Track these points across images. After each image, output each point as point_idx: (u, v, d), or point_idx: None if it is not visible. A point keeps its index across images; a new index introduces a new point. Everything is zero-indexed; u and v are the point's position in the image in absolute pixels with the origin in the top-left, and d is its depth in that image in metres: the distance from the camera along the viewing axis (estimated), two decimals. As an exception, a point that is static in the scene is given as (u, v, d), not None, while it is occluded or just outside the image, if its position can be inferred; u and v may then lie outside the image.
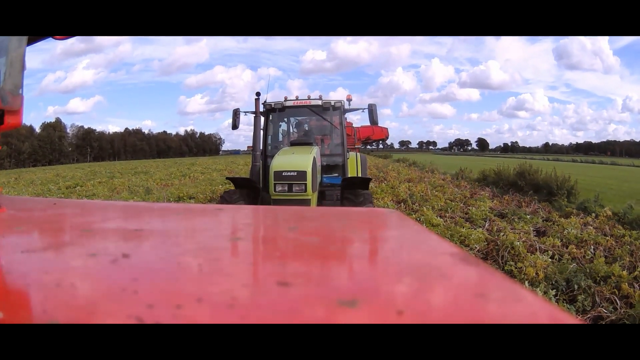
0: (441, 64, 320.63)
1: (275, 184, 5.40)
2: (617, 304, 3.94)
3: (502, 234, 6.43)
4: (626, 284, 4.28)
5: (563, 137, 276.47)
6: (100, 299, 0.47)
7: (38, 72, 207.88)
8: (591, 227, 7.17)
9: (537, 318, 0.43)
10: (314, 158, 5.66)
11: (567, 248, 5.71)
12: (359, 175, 7.30)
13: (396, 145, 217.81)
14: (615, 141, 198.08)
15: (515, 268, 4.88)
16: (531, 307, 0.45)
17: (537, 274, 4.58)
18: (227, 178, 8.12)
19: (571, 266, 4.82)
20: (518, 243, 5.64)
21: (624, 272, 4.58)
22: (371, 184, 6.44)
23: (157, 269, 0.60)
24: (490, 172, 14.92)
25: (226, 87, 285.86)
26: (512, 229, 6.92)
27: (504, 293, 0.49)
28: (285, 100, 7.18)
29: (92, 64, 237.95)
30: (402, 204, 9.92)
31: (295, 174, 5.35)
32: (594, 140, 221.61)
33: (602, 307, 3.93)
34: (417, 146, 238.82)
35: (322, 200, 6.29)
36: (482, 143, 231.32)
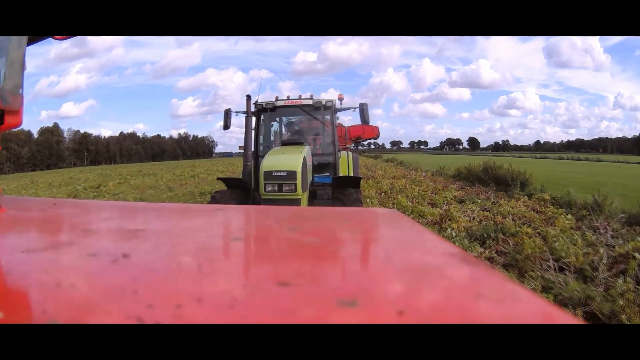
0: (432, 64, 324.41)
1: (265, 184, 5.44)
2: (510, 244, 5.82)
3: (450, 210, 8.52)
4: (526, 236, 6.09)
5: (555, 134, 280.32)
6: (100, 299, 0.47)
7: (32, 77, 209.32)
8: (523, 206, 9.23)
9: (537, 318, 0.43)
10: (304, 158, 5.71)
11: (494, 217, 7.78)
12: (351, 174, 7.41)
13: (387, 146, 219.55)
14: (607, 138, 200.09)
15: (448, 226, 7.04)
16: (531, 307, 0.46)
17: (458, 228, 6.76)
18: (218, 178, 8.12)
19: (484, 223, 6.90)
20: (456, 213, 7.72)
21: (529, 229, 6.52)
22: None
23: (157, 269, 0.60)
24: (463, 169, 16.97)
25: (218, 89, 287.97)
26: (462, 209, 8.96)
27: (504, 293, 0.50)
28: (277, 100, 7.21)
29: (85, 68, 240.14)
30: (383, 194, 11.98)
31: (285, 173, 5.40)
32: (586, 138, 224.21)
33: (500, 246, 5.83)
34: (408, 146, 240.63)
35: (313, 199, 6.33)
36: (473, 142, 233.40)
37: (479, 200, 10.31)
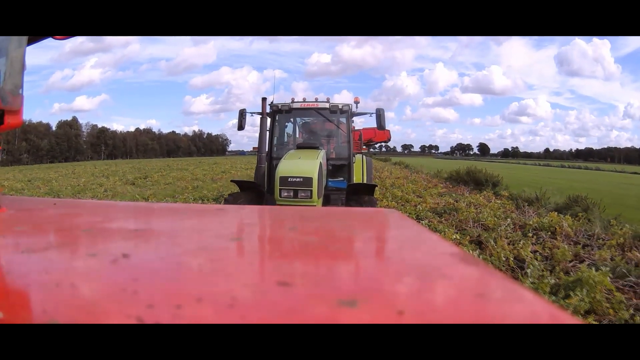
0: (445, 69, 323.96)
1: (280, 190, 5.40)
2: (456, 216, 9.07)
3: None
4: (467, 211, 9.27)
5: (565, 143, 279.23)
6: (100, 299, 0.47)
7: (46, 69, 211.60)
8: (482, 198, 12.65)
9: (537, 318, 0.43)
10: (320, 163, 5.68)
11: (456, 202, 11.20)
12: (364, 178, 7.38)
13: (399, 149, 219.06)
14: (615, 148, 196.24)
15: (419, 206, 10.33)
16: (531, 307, 0.46)
17: (426, 206, 10.12)
18: (232, 181, 8.00)
19: (444, 205, 10.36)
20: (430, 199, 11.19)
21: (474, 210, 9.91)
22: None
23: (157, 269, 0.60)
24: (453, 172, 20.45)
25: (232, 87, 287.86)
26: (438, 198, 12.39)
27: (504, 293, 0.50)
28: (293, 102, 7.17)
29: (100, 62, 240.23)
30: (384, 188, 15.47)
31: (301, 180, 5.36)
32: (595, 147, 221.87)
33: (450, 216, 9.09)
34: (419, 150, 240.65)
35: (327, 204, 6.29)
36: (483, 148, 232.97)
37: (454, 195, 13.73)
